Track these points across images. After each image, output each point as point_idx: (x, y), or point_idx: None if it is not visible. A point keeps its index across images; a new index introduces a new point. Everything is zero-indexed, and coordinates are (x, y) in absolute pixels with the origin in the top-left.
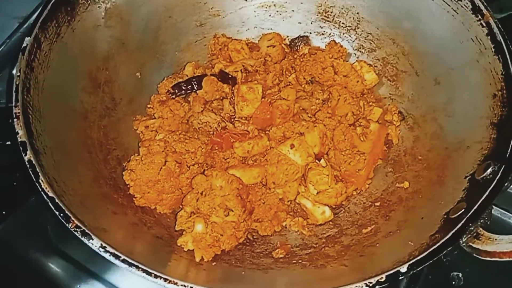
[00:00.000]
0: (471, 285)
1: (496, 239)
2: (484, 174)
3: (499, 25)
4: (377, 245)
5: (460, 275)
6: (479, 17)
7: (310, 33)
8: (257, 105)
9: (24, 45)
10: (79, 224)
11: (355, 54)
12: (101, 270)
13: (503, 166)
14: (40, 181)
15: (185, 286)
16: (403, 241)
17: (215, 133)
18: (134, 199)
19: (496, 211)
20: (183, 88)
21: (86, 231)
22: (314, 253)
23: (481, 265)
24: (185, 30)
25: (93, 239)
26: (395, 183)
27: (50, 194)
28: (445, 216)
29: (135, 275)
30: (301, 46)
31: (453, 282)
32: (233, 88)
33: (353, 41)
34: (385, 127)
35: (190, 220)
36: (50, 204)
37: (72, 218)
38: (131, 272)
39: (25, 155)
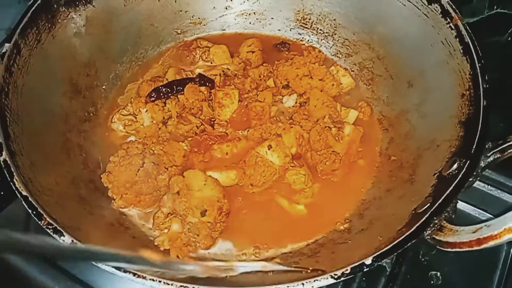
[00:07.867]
0: (449, 284)
1: (457, 231)
2: (450, 170)
3: (467, 27)
4: (349, 241)
5: (438, 274)
6: (448, 20)
7: (290, 39)
8: (234, 109)
9: (3, 50)
10: (51, 221)
11: (333, 59)
12: (81, 272)
13: (468, 161)
14: (14, 180)
15: (153, 280)
16: (374, 236)
17: (194, 135)
18: (112, 200)
19: (469, 208)
20: (162, 92)
21: (58, 228)
22: (289, 252)
23: (459, 264)
24: (166, 38)
25: (64, 236)
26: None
27: (24, 193)
28: (413, 212)
29: (108, 271)
30: (283, 51)
31: (432, 281)
32: (211, 91)
33: (331, 47)
34: (360, 129)
35: (167, 221)
36: (23, 202)
37: (44, 216)
38: (103, 268)
39: (1, 155)
